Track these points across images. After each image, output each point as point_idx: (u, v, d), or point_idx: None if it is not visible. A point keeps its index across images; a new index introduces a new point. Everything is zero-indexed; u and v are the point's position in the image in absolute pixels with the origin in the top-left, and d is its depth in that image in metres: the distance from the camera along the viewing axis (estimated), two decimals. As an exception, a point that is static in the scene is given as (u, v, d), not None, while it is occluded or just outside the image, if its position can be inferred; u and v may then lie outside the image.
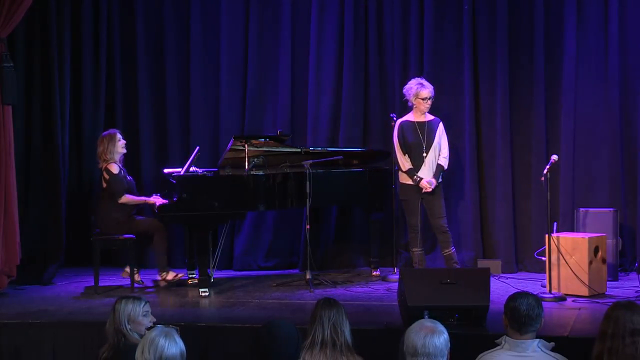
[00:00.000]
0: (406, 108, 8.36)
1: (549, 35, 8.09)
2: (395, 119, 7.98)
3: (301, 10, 8.56)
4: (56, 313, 6.50)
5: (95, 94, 8.63)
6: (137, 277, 7.49)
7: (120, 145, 7.47)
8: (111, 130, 7.59)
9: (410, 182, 7.57)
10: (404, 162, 7.63)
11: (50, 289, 7.61)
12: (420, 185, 7.51)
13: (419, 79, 7.64)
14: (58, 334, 6.04)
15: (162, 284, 7.48)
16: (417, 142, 7.56)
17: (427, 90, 7.54)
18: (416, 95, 7.56)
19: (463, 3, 8.19)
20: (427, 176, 7.53)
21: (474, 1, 8.21)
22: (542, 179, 6.93)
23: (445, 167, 7.59)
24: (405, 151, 7.62)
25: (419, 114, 7.61)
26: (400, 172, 7.69)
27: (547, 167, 6.91)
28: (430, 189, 7.49)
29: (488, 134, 8.21)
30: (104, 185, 7.41)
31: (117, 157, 7.46)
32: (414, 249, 7.68)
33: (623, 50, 7.96)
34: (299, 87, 8.60)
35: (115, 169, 7.38)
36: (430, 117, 7.66)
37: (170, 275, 7.49)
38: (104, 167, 7.42)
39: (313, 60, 8.48)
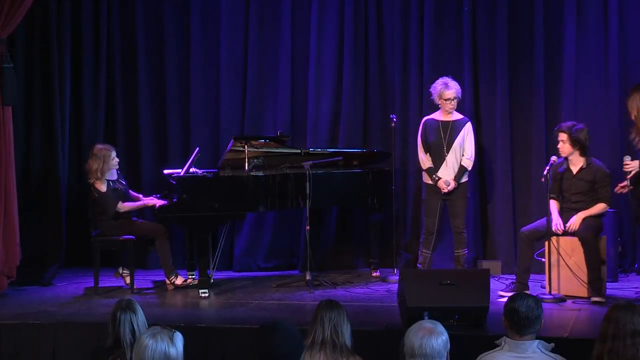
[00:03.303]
0: (406, 109, 8.41)
1: (548, 36, 8.10)
2: (395, 119, 7.99)
3: (301, 10, 8.57)
4: (56, 314, 6.50)
5: (95, 95, 8.64)
6: (127, 279, 7.46)
7: (113, 164, 7.41)
8: (107, 146, 7.49)
9: (432, 182, 7.56)
10: (425, 161, 7.61)
11: (50, 289, 7.61)
12: (437, 185, 7.50)
13: (445, 78, 7.58)
14: (58, 334, 6.04)
15: (170, 287, 7.43)
16: (438, 141, 7.52)
17: (451, 91, 7.49)
18: (440, 95, 7.54)
19: (463, 4, 8.20)
20: (445, 176, 7.50)
21: (473, 2, 8.21)
22: (542, 179, 6.93)
23: (469, 168, 7.53)
24: (426, 150, 7.61)
25: (445, 114, 7.57)
26: (423, 172, 7.68)
27: (547, 167, 6.91)
28: (447, 190, 7.46)
29: (488, 135, 8.21)
30: (94, 197, 7.38)
31: (108, 174, 7.40)
32: (424, 250, 7.63)
33: (623, 50, 7.97)
34: (299, 88, 8.60)
35: (103, 187, 7.32)
36: (458, 116, 7.62)
37: (179, 280, 7.44)
38: (91, 183, 7.35)
39: (313, 60, 8.49)
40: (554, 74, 8.12)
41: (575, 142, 6.84)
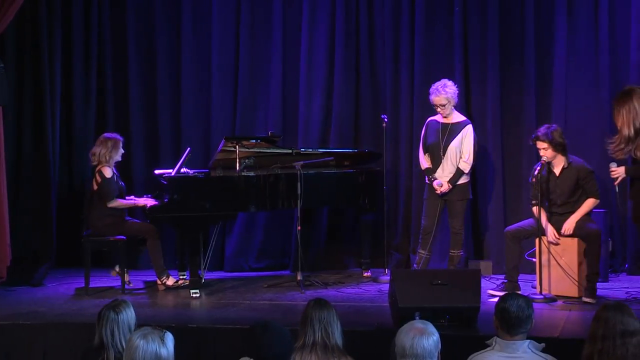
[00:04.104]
0: (397, 109, 8.42)
1: (539, 36, 8.11)
2: (386, 120, 7.99)
3: (292, 10, 8.57)
4: (47, 314, 6.48)
5: (86, 94, 8.62)
6: (126, 277, 7.47)
7: (120, 154, 7.43)
8: (116, 136, 7.49)
9: (429, 182, 7.54)
10: (423, 162, 7.60)
11: (41, 290, 7.59)
12: (433, 185, 7.49)
13: (440, 82, 7.47)
14: (48, 335, 6.02)
15: (161, 288, 7.42)
16: (436, 142, 7.48)
17: (437, 98, 7.40)
18: (431, 100, 7.54)
19: (454, 4, 8.21)
20: (441, 177, 7.47)
21: (464, 2, 8.22)
22: (533, 179, 6.94)
23: (465, 171, 7.45)
24: (425, 150, 7.60)
25: (444, 116, 7.52)
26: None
27: (538, 168, 6.93)
28: (439, 191, 7.44)
29: (479, 135, 8.19)
30: (95, 187, 7.37)
31: (113, 162, 7.41)
32: (420, 251, 7.59)
33: (613, 50, 7.99)
34: (290, 88, 8.60)
35: (108, 173, 7.31)
36: (459, 118, 7.56)
37: (171, 281, 7.43)
38: (97, 168, 7.35)
39: (304, 60, 8.49)
40: (544, 75, 8.14)
41: (557, 146, 6.85)
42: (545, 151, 6.86)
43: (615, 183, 6.54)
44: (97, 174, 7.33)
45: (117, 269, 7.51)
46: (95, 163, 7.39)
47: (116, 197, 7.34)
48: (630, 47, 7.91)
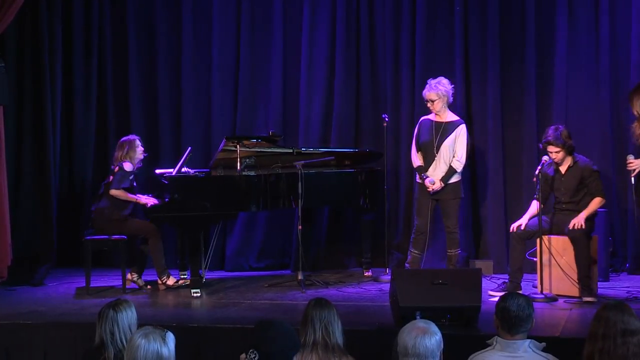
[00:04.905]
0: (398, 108, 8.42)
1: (540, 36, 8.12)
2: (387, 119, 7.99)
3: (293, 10, 8.58)
4: (47, 314, 6.48)
5: (86, 94, 8.63)
6: (140, 281, 7.48)
7: (139, 152, 7.43)
8: (130, 136, 7.50)
9: (420, 180, 7.53)
10: (415, 160, 7.60)
11: (42, 289, 7.59)
12: (424, 184, 7.49)
13: (437, 79, 7.45)
14: (49, 335, 6.01)
15: (162, 287, 7.43)
16: (429, 141, 7.47)
17: (427, 93, 7.42)
18: (423, 94, 7.53)
19: (454, 4, 8.21)
20: (433, 176, 7.47)
21: (465, 2, 8.23)
22: (534, 179, 6.94)
23: (458, 170, 7.43)
24: (418, 149, 7.60)
25: (438, 114, 7.48)
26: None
27: (539, 167, 6.93)
28: (431, 189, 7.43)
29: (479, 135, 8.23)
30: (110, 178, 7.36)
31: (135, 162, 7.42)
32: (413, 250, 7.58)
33: (614, 50, 7.99)
34: (291, 88, 8.61)
35: (128, 167, 7.33)
36: (453, 118, 7.54)
37: (171, 281, 7.44)
38: (119, 162, 7.35)
39: (305, 60, 8.49)
40: (545, 74, 8.14)
41: (568, 148, 6.86)
42: (557, 154, 6.84)
43: (632, 175, 6.49)
44: (117, 165, 7.34)
45: (130, 276, 7.46)
46: (114, 165, 7.41)
47: (123, 190, 7.33)
48: (631, 47, 7.91)
